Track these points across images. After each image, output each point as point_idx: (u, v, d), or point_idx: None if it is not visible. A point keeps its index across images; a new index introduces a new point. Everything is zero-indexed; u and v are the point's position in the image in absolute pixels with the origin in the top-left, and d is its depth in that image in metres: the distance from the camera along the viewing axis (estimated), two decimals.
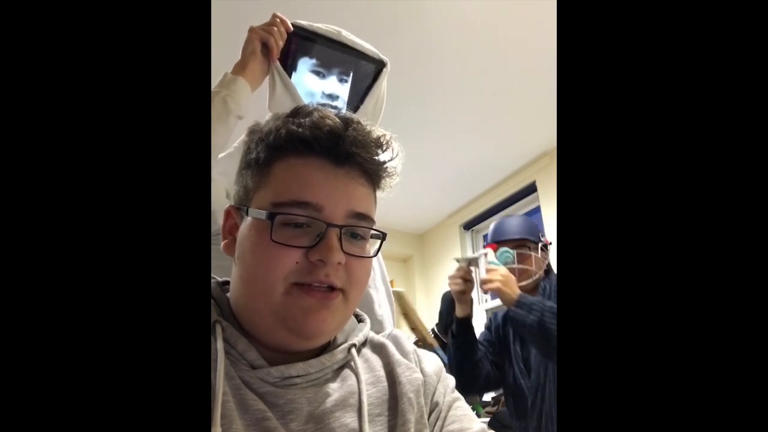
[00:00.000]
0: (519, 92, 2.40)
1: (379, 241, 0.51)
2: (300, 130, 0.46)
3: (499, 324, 1.49)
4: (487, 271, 1.32)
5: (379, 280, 1.01)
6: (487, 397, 2.51)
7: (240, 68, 0.88)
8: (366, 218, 0.48)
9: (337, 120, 0.47)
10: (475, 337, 1.45)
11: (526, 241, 1.49)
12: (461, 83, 2.33)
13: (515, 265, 1.44)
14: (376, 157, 0.48)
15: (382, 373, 0.52)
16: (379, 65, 0.99)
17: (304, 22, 0.94)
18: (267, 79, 0.93)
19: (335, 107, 0.94)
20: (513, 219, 1.58)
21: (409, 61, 2.11)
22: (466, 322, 1.42)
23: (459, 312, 1.42)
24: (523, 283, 1.42)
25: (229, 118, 0.83)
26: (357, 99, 0.99)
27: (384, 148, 0.49)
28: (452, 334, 1.44)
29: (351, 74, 0.98)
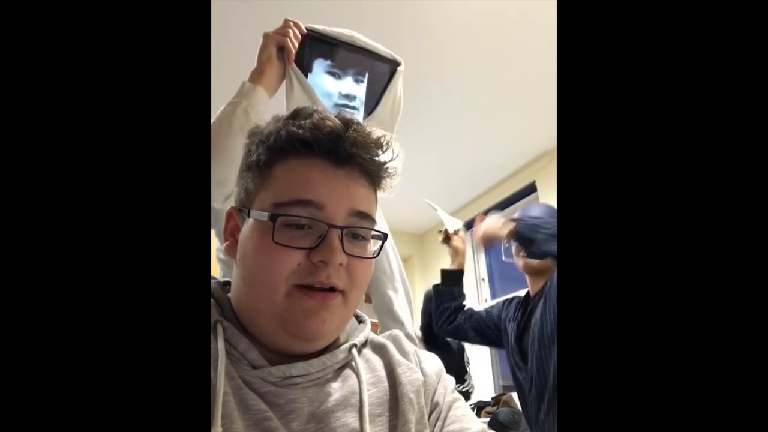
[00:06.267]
0: (519, 92, 2.40)
1: (380, 242, 0.51)
2: (300, 131, 0.46)
3: (502, 315, 1.57)
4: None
5: (399, 281, 1.01)
6: (487, 397, 2.51)
7: (257, 76, 0.89)
8: (367, 218, 0.48)
9: (337, 121, 0.47)
10: (458, 292, 1.63)
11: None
12: (461, 83, 2.33)
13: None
14: (377, 158, 0.49)
15: (383, 373, 0.52)
16: (393, 65, 1.01)
17: (317, 26, 0.95)
18: (284, 83, 0.94)
19: (353, 107, 0.96)
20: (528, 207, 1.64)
21: (408, 62, 2.10)
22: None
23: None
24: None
25: None
26: (374, 99, 1.01)
27: (384, 148, 0.49)
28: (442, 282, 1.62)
29: (366, 75, 0.99)
